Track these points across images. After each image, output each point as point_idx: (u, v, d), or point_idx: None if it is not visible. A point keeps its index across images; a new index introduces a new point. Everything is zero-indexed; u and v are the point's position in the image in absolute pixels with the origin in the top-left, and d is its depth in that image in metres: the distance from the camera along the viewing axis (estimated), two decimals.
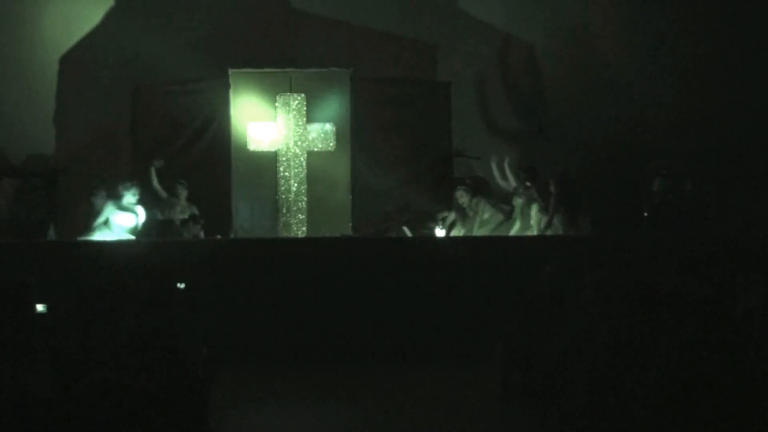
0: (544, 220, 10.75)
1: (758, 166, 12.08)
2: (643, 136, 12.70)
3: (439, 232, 11.68)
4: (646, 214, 11.19)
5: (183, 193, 11.41)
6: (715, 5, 12.72)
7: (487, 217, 11.46)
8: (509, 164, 11.68)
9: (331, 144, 12.65)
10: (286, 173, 12.55)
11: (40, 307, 5.91)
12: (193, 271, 8.49)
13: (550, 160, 11.99)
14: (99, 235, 10.33)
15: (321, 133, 12.64)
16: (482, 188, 11.98)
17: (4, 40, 12.75)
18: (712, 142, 12.26)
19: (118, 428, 5.20)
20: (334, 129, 12.64)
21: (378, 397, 7.56)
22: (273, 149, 12.60)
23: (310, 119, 12.61)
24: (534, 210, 10.92)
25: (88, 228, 10.48)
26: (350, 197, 12.59)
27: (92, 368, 5.31)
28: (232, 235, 11.95)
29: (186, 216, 11.19)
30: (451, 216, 11.72)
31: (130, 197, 10.52)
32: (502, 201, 11.60)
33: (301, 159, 12.56)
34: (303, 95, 12.60)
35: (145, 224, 10.59)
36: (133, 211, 10.54)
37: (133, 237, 10.38)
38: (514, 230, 11.11)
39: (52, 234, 11.34)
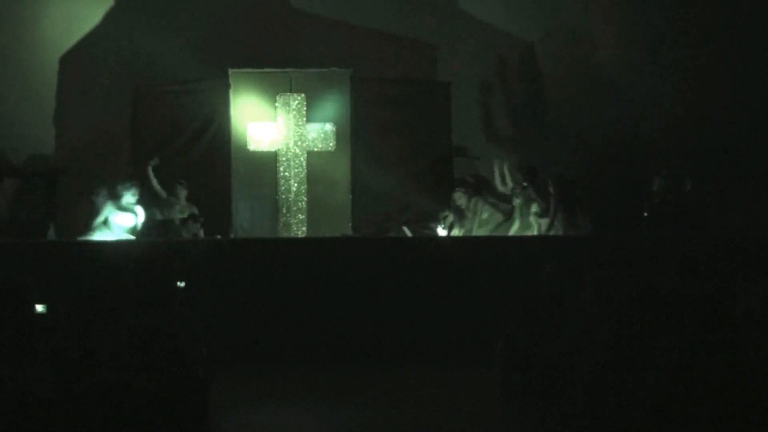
0: (545, 220, 10.74)
1: (758, 166, 12.07)
2: (643, 136, 12.71)
3: (441, 232, 11.69)
4: (646, 214, 11.19)
5: (183, 193, 11.41)
6: (714, 5, 12.72)
7: (486, 217, 11.46)
8: (508, 168, 11.68)
9: (331, 144, 12.65)
10: (286, 173, 12.55)
11: (39, 308, 5.90)
12: (193, 271, 8.48)
13: (550, 161, 11.99)
14: (99, 235, 10.32)
15: (321, 133, 12.65)
16: (483, 187, 11.98)
17: (4, 40, 12.75)
18: (712, 142, 12.26)
19: (118, 428, 5.20)
20: (334, 129, 12.65)
21: (378, 397, 7.55)
22: (273, 149, 12.60)
23: (310, 119, 12.62)
24: (533, 210, 10.92)
25: (88, 227, 10.48)
26: (350, 197, 12.60)
27: (92, 368, 5.31)
28: (232, 235, 11.95)
29: (185, 215, 11.19)
30: (450, 217, 11.72)
31: (129, 197, 10.52)
32: (504, 200, 11.59)
33: (301, 159, 12.57)
34: (303, 95, 12.60)
35: (144, 224, 10.59)
36: (133, 211, 10.54)
37: (132, 237, 10.37)
38: (514, 230, 11.12)
39: (52, 234, 11.34)
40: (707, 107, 12.53)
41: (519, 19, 13.36)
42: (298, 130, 12.56)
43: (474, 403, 7.25)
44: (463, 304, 9.12)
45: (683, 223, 10.56)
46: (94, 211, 10.63)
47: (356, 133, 12.57)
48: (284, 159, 12.56)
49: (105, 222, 10.47)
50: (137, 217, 10.54)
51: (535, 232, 10.85)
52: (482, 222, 11.46)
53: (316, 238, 11.78)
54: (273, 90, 12.64)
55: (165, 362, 5.45)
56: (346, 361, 8.79)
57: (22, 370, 5.10)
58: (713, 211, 11.03)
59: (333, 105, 12.69)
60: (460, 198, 11.70)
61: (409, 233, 12.08)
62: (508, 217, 11.31)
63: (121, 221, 10.45)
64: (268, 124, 12.61)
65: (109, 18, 13.11)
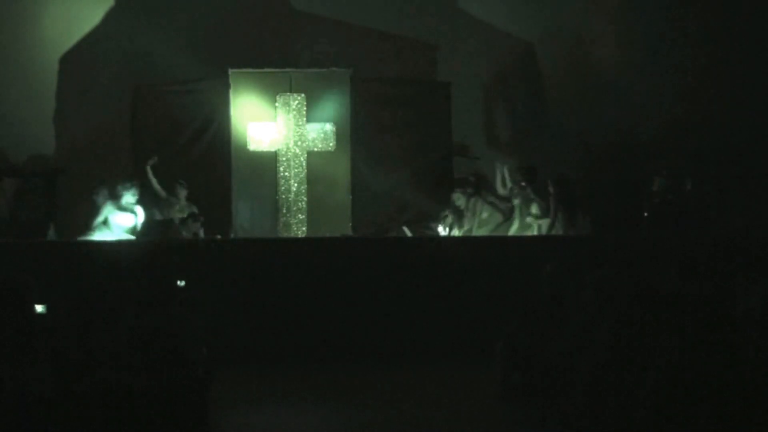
0: (544, 221, 10.73)
1: (758, 166, 12.07)
2: (643, 136, 12.70)
3: (442, 231, 11.69)
4: (646, 214, 11.19)
5: (182, 193, 11.41)
6: (714, 5, 12.72)
7: (485, 217, 11.46)
8: (508, 170, 11.68)
9: (331, 144, 12.65)
10: (286, 173, 12.55)
11: (39, 308, 5.90)
12: (193, 271, 8.49)
13: (550, 161, 11.99)
14: (98, 235, 10.33)
15: (321, 133, 12.65)
16: (484, 185, 11.99)
17: (4, 40, 12.75)
18: (712, 142, 12.25)
19: (118, 428, 5.20)
20: (334, 129, 12.65)
21: (378, 397, 7.55)
22: (273, 149, 12.60)
23: (310, 119, 12.62)
24: (533, 211, 10.91)
25: (88, 227, 10.48)
26: (350, 197, 12.60)
27: (92, 368, 5.31)
28: (232, 235, 11.95)
29: (185, 215, 11.19)
30: (450, 218, 11.72)
31: (129, 197, 10.52)
32: (504, 200, 11.58)
33: (301, 159, 12.57)
34: (303, 95, 12.60)
35: (144, 224, 10.59)
36: (133, 211, 10.54)
37: (132, 237, 10.38)
38: (513, 230, 11.11)
39: (52, 234, 11.35)
40: (707, 107, 12.53)
41: (519, 19, 13.36)
42: (298, 130, 12.56)
43: (474, 403, 7.25)
44: (463, 304, 9.12)
45: (683, 223, 10.56)
46: (94, 211, 10.64)
47: (356, 133, 12.57)
48: (284, 159, 12.56)
49: (105, 222, 10.47)
50: (137, 217, 10.55)
51: (535, 232, 10.84)
52: (482, 222, 11.46)
53: (316, 238, 11.78)
54: (273, 90, 12.64)
55: (165, 362, 5.45)
56: (346, 361, 8.79)
57: (22, 370, 5.10)
58: (713, 211, 11.03)
59: (333, 105, 12.69)
60: (458, 199, 11.71)
61: (409, 233, 12.08)
62: (508, 217, 11.30)
63: (121, 221, 10.45)
64: (268, 124, 12.61)
65: (109, 18, 13.11)
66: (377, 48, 13.32)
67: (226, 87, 12.43)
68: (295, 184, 12.53)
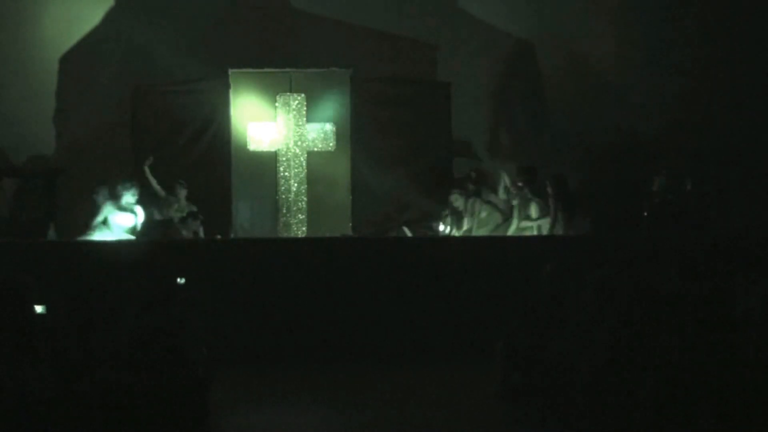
0: (544, 220, 10.72)
1: (758, 166, 12.07)
2: (643, 136, 12.70)
3: (442, 229, 11.69)
4: (646, 214, 11.19)
5: (182, 193, 11.41)
6: (715, 5, 12.72)
7: (484, 216, 11.44)
8: (508, 175, 11.68)
9: (331, 144, 12.65)
10: (286, 173, 12.55)
11: (39, 308, 5.90)
12: (193, 271, 8.49)
13: (550, 161, 11.99)
14: (98, 235, 10.32)
15: (321, 133, 12.65)
16: (485, 182, 11.99)
17: (4, 40, 12.75)
18: (712, 142, 12.25)
19: (118, 428, 5.20)
20: (334, 129, 12.65)
21: (378, 397, 7.55)
22: (273, 149, 12.61)
23: (310, 119, 12.62)
24: (532, 210, 10.90)
25: (88, 227, 10.48)
26: (350, 197, 12.60)
27: (92, 368, 5.32)
28: (232, 235, 11.95)
29: (184, 214, 11.19)
30: (449, 218, 11.72)
31: (129, 197, 10.51)
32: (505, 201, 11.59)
33: (301, 159, 12.57)
34: (303, 95, 12.61)
35: (144, 224, 10.59)
36: (133, 211, 10.53)
37: (132, 237, 10.37)
38: (512, 230, 11.10)
39: (52, 234, 11.34)
40: (707, 107, 12.53)
41: (519, 19, 13.35)
42: (298, 130, 12.57)
43: (474, 403, 7.25)
44: (463, 304, 9.11)
45: (683, 223, 10.56)
46: (94, 211, 10.63)
47: (356, 133, 12.57)
48: (284, 159, 12.56)
49: (105, 222, 10.46)
50: (137, 217, 10.54)
51: (535, 232, 10.83)
52: (481, 222, 11.44)
53: (316, 238, 11.78)
54: (273, 90, 12.65)
55: (165, 362, 5.45)
56: (346, 361, 8.78)
57: (22, 370, 5.10)
58: (713, 211, 11.03)
59: (333, 105, 12.69)
60: (456, 200, 11.71)
61: (409, 233, 12.08)
62: (508, 218, 11.30)
63: (121, 221, 10.45)
64: (268, 124, 12.61)
65: (109, 18, 13.11)
66: (377, 48, 13.32)
67: (226, 87, 12.43)
68: (295, 184, 12.54)
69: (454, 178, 12.68)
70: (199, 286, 7.86)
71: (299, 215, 12.52)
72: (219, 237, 11.28)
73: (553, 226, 10.63)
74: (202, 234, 11.09)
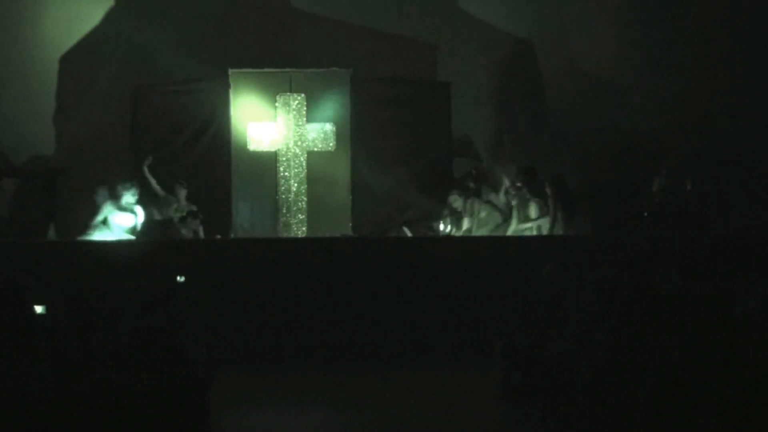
0: (543, 220, 10.72)
1: (758, 166, 12.07)
2: (643, 136, 12.70)
3: (443, 228, 11.69)
4: (646, 214, 11.19)
5: (182, 193, 11.41)
6: (714, 5, 12.72)
7: (484, 216, 11.44)
8: (506, 175, 11.67)
9: (331, 144, 12.65)
10: (286, 173, 12.55)
11: (39, 308, 5.90)
12: (193, 271, 8.49)
13: (550, 161, 11.99)
14: (98, 235, 10.33)
15: (321, 133, 12.65)
16: (485, 180, 11.99)
17: (4, 40, 12.75)
18: (712, 142, 12.25)
19: (118, 428, 5.20)
20: (334, 129, 12.64)
21: (378, 397, 7.55)
22: (273, 149, 12.60)
23: (310, 119, 12.62)
24: (531, 210, 10.90)
25: (88, 227, 10.48)
26: (350, 197, 12.60)
27: (92, 368, 5.32)
28: (232, 235, 11.95)
29: (184, 214, 11.19)
30: (449, 219, 11.72)
31: (129, 197, 10.51)
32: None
33: (301, 159, 12.56)
34: (303, 95, 12.60)
35: (144, 224, 10.59)
36: (133, 211, 10.54)
37: (132, 237, 10.38)
38: (511, 230, 11.10)
39: (52, 234, 11.34)
40: (707, 107, 12.53)
41: (519, 19, 13.36)
42: (298, 130, 12.56)
43: (474, 403, 7.25)
44: (463, 304, 9.11)
45: (683, 223, 10.55)
46: (94, 211, 10.64)
47: (356, 133, 12.57)
48: (284, 159, 12.56)
49: (105, 222, 10.47)
50: (137, 217, 10.54)
51: (534, 232, 10.83)
52: (481, 221, 11.44)
53: (316, 238, 11.78)
54: (273, 90, 12.64)
55: (165, 362, 5.45)
56: (346, 361, 8.79)
57: (22, 370, 5.10)
58: (713, 211, 11.03)
59: (333, 105, 12.69)
60: (455, 201, 11.70)
61: (409, 233, 12.08)
62: (507, 217, 11.29)
63: (121, 221, 10.45)
64: (268, 124, 12.61)
65: (109, 18, 13.11)
66: (377, 48, 13.31)
67: (226, 87, 12.43)
68: (295, 184, 12.53)
69: (454, 178, 12.67)
70: (199, 286, 7.85)
71: (299, 215, 12.51)
72: (219, 237, 11.28)
73: (552, 226, 10.62)
74: (201, 233, 11.09)
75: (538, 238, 10.49)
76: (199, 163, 12.33)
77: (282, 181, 12.55)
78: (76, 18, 13.03)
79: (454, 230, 11.59)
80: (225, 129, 12.42)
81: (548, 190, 10.62)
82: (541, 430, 6.30)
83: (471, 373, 8.03)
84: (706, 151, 12.09)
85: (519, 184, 10.97)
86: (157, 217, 11.06)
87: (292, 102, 12.59)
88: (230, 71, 12.41)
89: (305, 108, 12.59)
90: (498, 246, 10.05)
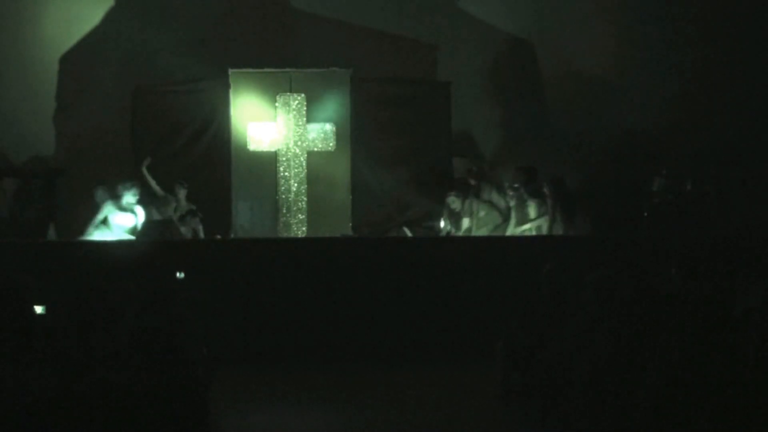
0: (542, 220, 10.72)
1: (758, 166, 12.08)
2: (643, 136, 12.70)
3: (443, 226, 11.69)
4: (646, 214, 11.19)
5: (182, 193, 11.41)
6: (714, 6, 12.72)
7: (483, 216, 11.44)
8: (505, 175, 11.67)
9: (331, 144, 12.64)
10: (286, 173, 12.55)
11: (39, 308, 5.90)
12: (193, 271, 8.49)
13: (550, 161, 11.99)
14: (98, 235, 10.33)
15: (321, 133, 12.64)
16: (486, 177, 11.98)
17: (4, 40, 12.75)
18: (712, 142, 12.25)
19: (118, 428, 5.19)
20: (334, 129, 12.64)
21: (378, 397, 7.55)
22: (273, 149, 12.59)
23: (310, 119, 12.61)
24: (530, 211, 10.90)
25: (88, 227, 10.48)
26: (350, 197, 12.60)
27: (92, 368, 5.31)
28: (232, 235, 11.95)
29: (184, 213, 11.19)
30: (447, 223, 11.72)
31: (129, 197, 10.51)
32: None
33: (301, 159, 12.56)
34: (303, 95, 12.59)
35: (143, 224, 10.60)
36: (133, 211, 10.54)
37: (132, 237, 10.38)
38: (510, 230, 11.10)
39: (52, 234, 11.35)
40: (707, 107, 12.53)
41: (519, 19, 13.35)
42: (298, 130, 12.56)
43: (474, 403, 7.25)
44: (463, 304, 9.12)
45: (683, 223, 10.56)
46: (94, 211, 10.64)
47: (356, 133, 12.57)
48: (284, 159, 12.56)
49: (105, 222, 10.47)
50: (137, 217, 10.55)
51: (534, 232, 10.83)
52: (480, 221, 11.44)
53: (316, 238, 11.77)
54: (273, 90, 12.63)
55: (165, 362, 5.45)
56: (346, 361, 8.79)
57: (22, 370, 5.10)
58: (713, 211, 11.03)
59: (333, 105, 12.67)
60: (453, 202, 11.71)
61: (409, 233, 12.08)
62: (507, 217, 11.30)
63: (121, 221, 10.45)
64: (268, 124, 12.60)
65: (109, 18, 13.11)
66: (377, 48, 13.31)
67: (226, 87, 12.42)
68: (295, 184, 12.53)
69: (454, 177, 12.67)
70: (199, 286, 7.86)
71: (299, 215, 12.51)
72: (219, 237, 11.28)
73: (551, 228, 10.63)
74: (201, 232, 11.10)
75: (538, 238, 10.50)
76: (199, 163, 12.33)
77: (282, 181, 12.54)
78: (76, 18, 13.02)
79: (453, 230, 11.59)
80: (225, 129, 12.42)
81: (546, 191, 10.62)
82: (541, 430, 6.30)
83: (471, 373, 8.03)
84: (706, 151, 12.09)
85: (517, 185, 10.97)
86: (157, 217, 11.06)
87: (292, 102, 12.59)
88: (230, 71, 12.41)
89: (305, 108, 12.58)
90: (498, 246, 10.06)
